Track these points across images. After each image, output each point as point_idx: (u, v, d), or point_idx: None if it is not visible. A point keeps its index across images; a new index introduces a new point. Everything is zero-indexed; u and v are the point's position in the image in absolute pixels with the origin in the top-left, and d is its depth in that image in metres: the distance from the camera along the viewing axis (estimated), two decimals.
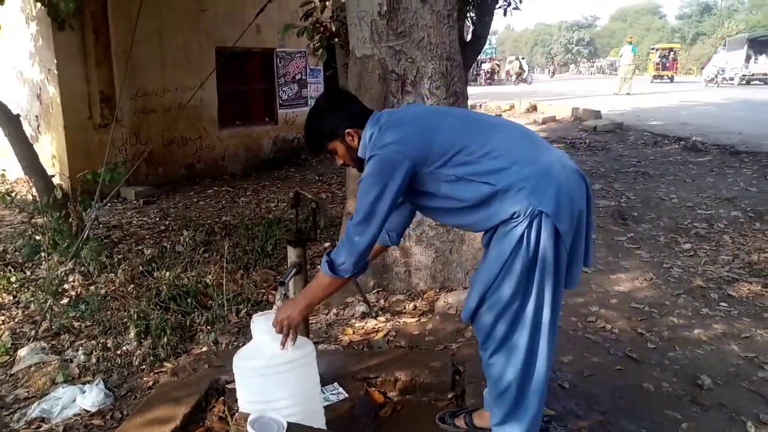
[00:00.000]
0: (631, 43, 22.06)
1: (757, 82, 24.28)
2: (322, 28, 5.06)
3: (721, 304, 3.68)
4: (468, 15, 6.74)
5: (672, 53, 30.77)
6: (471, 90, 23.63)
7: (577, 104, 14.43)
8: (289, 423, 1.89)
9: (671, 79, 29.57)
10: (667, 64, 30.24)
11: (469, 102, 16.24)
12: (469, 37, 6.69)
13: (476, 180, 1.89)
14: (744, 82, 24.24)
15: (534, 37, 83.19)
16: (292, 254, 2.33)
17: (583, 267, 2.03)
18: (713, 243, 4.77)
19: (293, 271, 2.29)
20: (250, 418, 1.87)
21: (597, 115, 12.44)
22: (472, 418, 2.30)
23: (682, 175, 7.24)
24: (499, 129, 2.03)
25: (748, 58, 24.16)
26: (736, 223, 5.24)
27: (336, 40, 5.36)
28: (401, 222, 2.27)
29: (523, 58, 38.20)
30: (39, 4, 6.31)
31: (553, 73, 37.60)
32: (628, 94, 20.10)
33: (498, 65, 36.87)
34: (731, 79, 24.29)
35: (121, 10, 7.15)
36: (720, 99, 17.68)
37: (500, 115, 15.21)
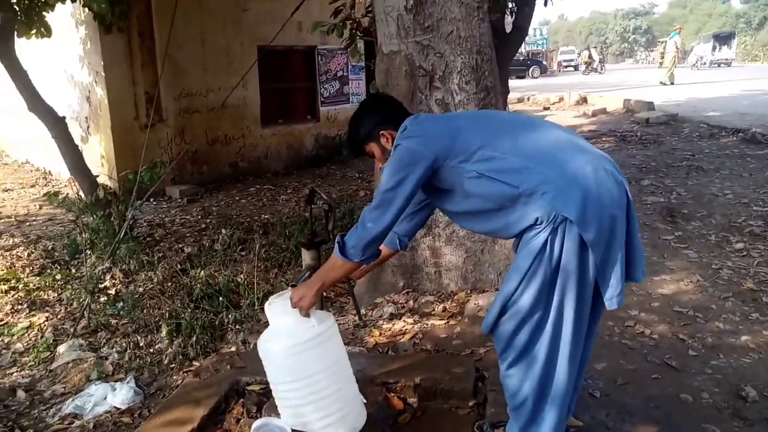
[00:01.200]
0: (677, 32, 21.19)
1: (722, 64, 32.43)
2: (356, 25, 5.01)
3: None
4: (508, 6, 6.56)
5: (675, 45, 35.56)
6: (519, 83, 23.13)
7: (629, 95, 13.92)
8: (293, 430, 1.86)
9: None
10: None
11: (517, 95, 15.87)
12: (509, 29, 6.51)
13: (498, 179, 1.81)
14: (715, 65, 32.11)
15: (589, 26, 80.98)
16: (306, 257, 2.30)
17: (631, 281, 1.91)
18: None
19: (307, 274, 2.24)
20: (253, 426, 1.86)
21: (650, 106, 11.95)
22: None
23: (738, 170, 6.85)
24: (529, 129, 1.94)
25: (713, 48, 32.50)
26: None
27: (372, 36, 5.30)
28: (413, 227, 2.24)
29: (594, 47, 37.73)
30: (86, 9, 6.52)
31: (601, 64, 35.34)
32: (672, 83, 19.23)
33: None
34: (704, 63, 31.79)
35: (165, 13, 7.29)
36: None
37: (548, 108, 14.86)
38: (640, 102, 12.32)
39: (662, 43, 36.29)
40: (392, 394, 2.57)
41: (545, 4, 6.84)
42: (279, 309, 2.07)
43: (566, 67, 36.98)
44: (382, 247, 2.13)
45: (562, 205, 1.73)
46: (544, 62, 31.45)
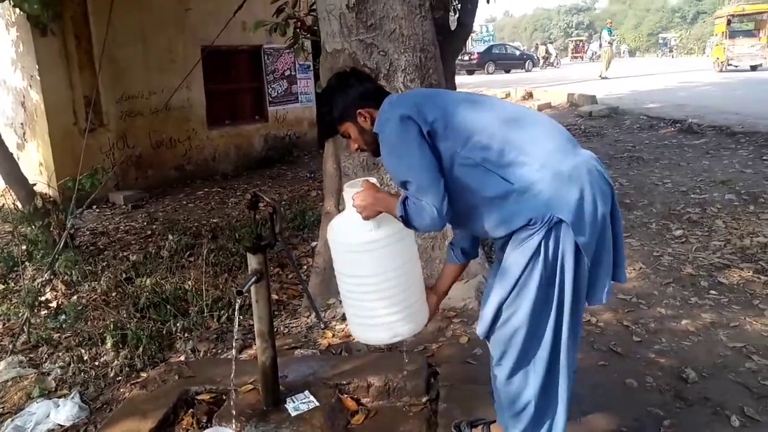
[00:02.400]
0: (608, 27, 22.10)
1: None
2: (299, 24, 4.95)
3: (711, 292, 3.59)
4: (452, 4, 6.62)
5: (581, 42, 45.98)
6: (468, 79, 23.30)
7: (573, 90, 14.27)
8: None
9: (582, 58, 42.43)
10: (578, 49, 44.65)
11: (465, 90, 16.11)
12: (454, 27, 6.57)
13: (493, 171, 1.71)
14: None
15: (533, 22, 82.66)
16: (252, 261, 2.25)
17: (614, 281, 1.88)
18: (705, 228, 4.67)
19: (253, 279, 2.20)
20: None
21: (593, 100, 12.29)
22: (491, 431, 2.20)
23: (677, 159, 7.12)
24: (526, 120, 1.83)
25: (600, 45, 35.36)
26: (729, 207, 5.13)
27: (316, 35, 5.25)
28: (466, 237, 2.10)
29: (550, 43, 40.51)
30: (17, 10, 6.24)
31: (557, 59, 36.74)
32: (606, 77, 19.89)
33: None
34: (598, 56, 33.26)
35: (102, 14, 7.02)
36: (719, 79, 17.47)
37: None
38: (584, 96, 12.66)
39: (573, 42, 46.07)
40: (345, 396, 2.56)
41: (488, 1, 6.93)
42: (350, 199, 1.94)
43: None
44: (448, 267, 2.13)
45: (558, 206, 1.66)
46: (536, 56, 34.21)
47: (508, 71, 30.76)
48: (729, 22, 21.82)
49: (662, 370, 2.80)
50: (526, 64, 32.20)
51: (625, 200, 5.53)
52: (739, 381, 2.67)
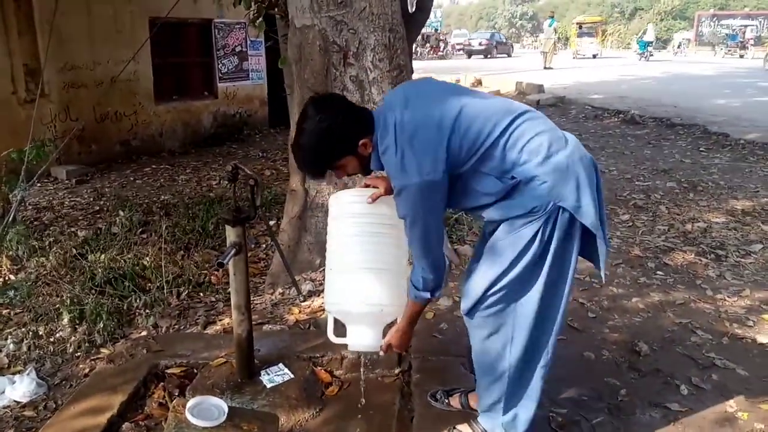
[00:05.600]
0: (552, 17, 22.75)
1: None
2: None
3: (658, 272, 3.81)
4: None
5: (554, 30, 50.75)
6: (419, 64, 23.36)
7: (521, 78, 14.59)
8: (230, 407, 1.83)
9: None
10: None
11: (415, 76, 16.16)
12: (412, 10, 6.58)
13: (499, 177, 1.79)
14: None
15: (479, 10, 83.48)
16: (231, 234, 2.24)
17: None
18: (650, 213, 4.93)
19: (232, 252, 2.20)
20: (188, 404, 1.81)
21: (540, 89, 12.62)
22: (468, 399, 2.27)
23: (621, 148, 7.44)
24: (516, 114, 1.83)
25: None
26: (671, 194, 5.42)
27: (276, 9, 5.16)
28: None
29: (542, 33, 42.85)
30: None
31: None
32: (551, 68, 20.50)
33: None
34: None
35: None
36: (658, 73, 18.24)
37: None
38: (531, 84, 12.97)
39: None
40: (319, 368, 2.60)
41: None
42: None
43: (459, 50, 37.87)
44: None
45: (558, 195, 1.74)
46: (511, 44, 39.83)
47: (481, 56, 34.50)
48: (579, 26, 34.16)
49: (616, 343, 2.97)
50: (509, 50, 37.23)
51: None
52: (686, 353, 2.86)
